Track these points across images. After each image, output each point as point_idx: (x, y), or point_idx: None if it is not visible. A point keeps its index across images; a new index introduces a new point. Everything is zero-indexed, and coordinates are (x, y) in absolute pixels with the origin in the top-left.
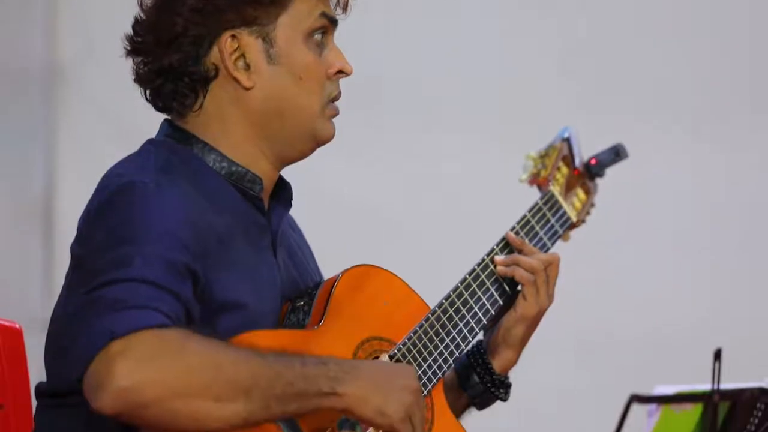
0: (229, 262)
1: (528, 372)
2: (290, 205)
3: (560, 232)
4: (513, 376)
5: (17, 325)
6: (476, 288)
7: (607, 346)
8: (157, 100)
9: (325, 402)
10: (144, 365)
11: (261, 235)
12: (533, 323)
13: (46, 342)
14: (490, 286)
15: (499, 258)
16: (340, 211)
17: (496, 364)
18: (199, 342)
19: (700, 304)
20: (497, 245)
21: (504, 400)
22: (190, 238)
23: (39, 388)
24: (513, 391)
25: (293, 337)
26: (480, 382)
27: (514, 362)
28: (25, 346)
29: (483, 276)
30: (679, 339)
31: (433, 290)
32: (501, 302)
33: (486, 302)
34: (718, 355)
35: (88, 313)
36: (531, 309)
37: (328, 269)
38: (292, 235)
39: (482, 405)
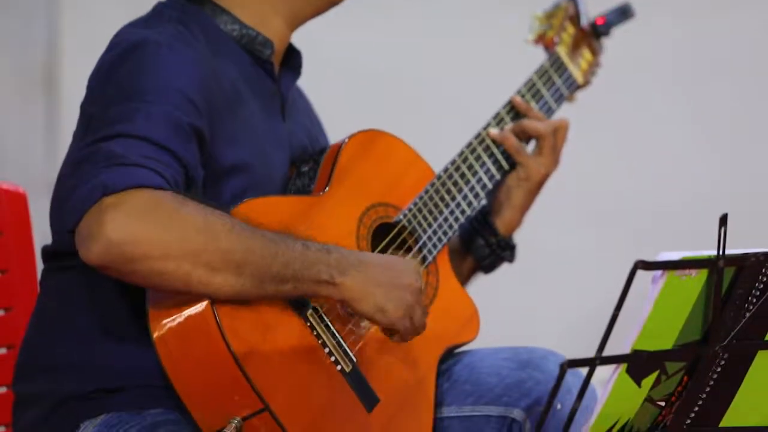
0: (238, 124)
1: (533, 240)
2: (299, 73)
3: (566, 94)
4: (517, 249)
5: (21, 189)
6: (481, 153)
7: (612, 214)
8: None
9: (323, 289)
10: (135, 221)
11: (270, 100)
12: (536, 186)
13: (51, 198)
14: (495, 152)
15: (493, 131)
16: (346, 79)
17: (500, 225)
18: (195, 208)
19: (704, 173)
20: (503, 108)
21: (510, 261)
22: (200, 97)
23: (45, 250)
24: (517, 263)
25: (298, 204)
26: (485, 244)
27: (517, 223)
28: (29, 210)
29: (488, 141)
30: (683, 207)
31: (439, 156)
32: (506, 168)
33: (491, 167)
34: (723, 221)
35: (85, 165)
36: (535, 171)
37: (335, 136)
38: (301, 103)
39: (489, 268)
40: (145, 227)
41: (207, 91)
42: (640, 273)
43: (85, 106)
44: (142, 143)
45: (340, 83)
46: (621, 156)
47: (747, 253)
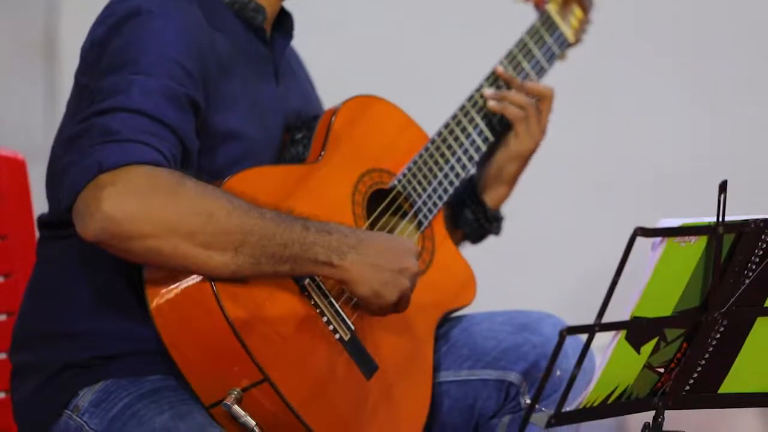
0: (232, 90)
1: (533, 206)
2: (292, 36)
3: (557, 53)
4: (517, 215)
5: (20, 156)
6: (474, 115)
7: (612, 180)
8: None
9: (321, 270)
10: (131, 199)
11: (264, 65)
12: (526, 158)
13: (46, 171)
14: (487, 113)
15: (488, 92)
16: (341, 42)
17: (488, 199)
18: (192, 187)
19: (703, 140)
20: (495, 73)
21: (496, 234)
22: (195, 65)
23: (41, 219)
24: (516, 229)
25: (293, 173)
26: (473, 218)
27: (505, 196)
28: (29, 176)
29: (481, 102)
30: (683, 174)
31: (434, 120)
32: (499, 129)
33: (484, 129)
34: (723, 187)
35: (81, 141)
36: (524, 145)
37: (329, 102)
38: (294, 67)
39: (476, 239)
40: (142, 205)
41: (201, 57)
42: (639, 239)
43: (77, 77)
44: (138, 117)
45: (338, 51)
46: (620, 122)
47: (746, 220)
